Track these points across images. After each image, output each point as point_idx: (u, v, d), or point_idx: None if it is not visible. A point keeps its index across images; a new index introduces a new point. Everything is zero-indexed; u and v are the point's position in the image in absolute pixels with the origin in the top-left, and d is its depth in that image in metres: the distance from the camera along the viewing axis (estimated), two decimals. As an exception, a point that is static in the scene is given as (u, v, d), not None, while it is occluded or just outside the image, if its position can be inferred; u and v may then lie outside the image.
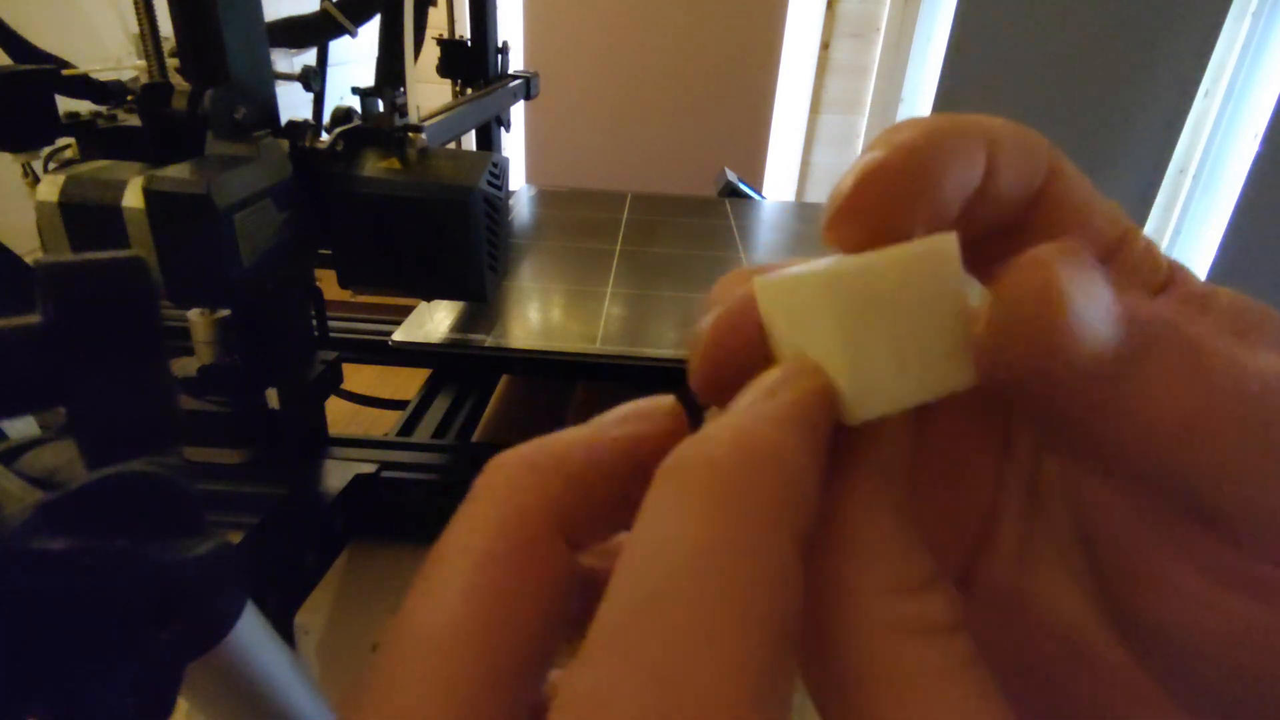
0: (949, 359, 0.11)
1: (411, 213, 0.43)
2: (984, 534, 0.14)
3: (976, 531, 0.14)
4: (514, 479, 0.11)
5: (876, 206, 0.11)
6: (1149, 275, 0.13)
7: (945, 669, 0.10)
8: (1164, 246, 2.03)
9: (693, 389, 0.13)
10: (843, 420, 0.11)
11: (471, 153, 0.50)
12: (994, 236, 0.13)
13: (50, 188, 0.35)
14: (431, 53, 0.78)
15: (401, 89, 0.48)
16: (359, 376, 0.74)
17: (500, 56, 0.90)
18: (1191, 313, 0.12)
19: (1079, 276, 0.10)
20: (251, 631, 0.26)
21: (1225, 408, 0.10)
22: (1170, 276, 0.13)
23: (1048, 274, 0.10)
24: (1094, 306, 0.10)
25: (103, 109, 0.41)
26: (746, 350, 0.12)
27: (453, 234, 0.43)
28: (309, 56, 0.57)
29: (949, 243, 0.11)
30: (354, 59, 0.78)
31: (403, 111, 0.47)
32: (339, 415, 0.71)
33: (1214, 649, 0.11)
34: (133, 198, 0.34)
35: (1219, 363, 0.10)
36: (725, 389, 0.12)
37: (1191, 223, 2.02)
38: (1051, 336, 0.10)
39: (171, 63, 0.40)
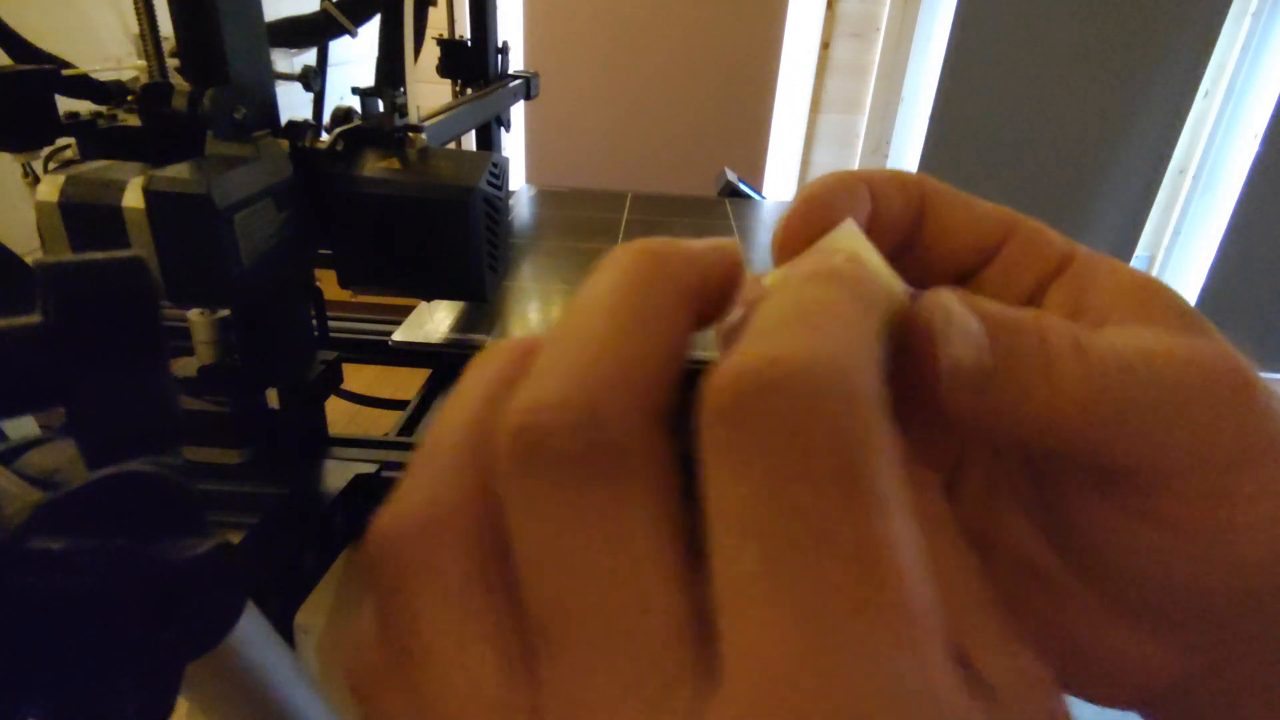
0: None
1: (411, 213, 0.43)
2: (956, 478, 0.17)
3: (949, 477, 0.17)
4: (640, 252, 0.12)
5: (798, 240, 0.15)
6: (1036, 265, 0.16)
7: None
8: (1163, 246, 2.03)
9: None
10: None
11: (471, 153, 0.50)
12: (900, 253, 0.16)
13: (50, 188, 0.35)
14: (431, 53, 0.78)
15: (401, 89, 0.48)
16: (359, 376, 0.74)
17: (500, 56, 0.90)
18: (1068, 298, 0.15)
19: (948, 320, 0.13)
20: (251, 631, 0.26)
21: (1074, 394, 0.12)
22: (1064, 261, 0.16)
23: (925, 319, 0.13)
24: (961, 342, 0.13)
25: (103, 109, 0.41)
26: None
27: (453, 234, 0.43)
28: (309, 56, 0.57)
29: (851, 226, 0.15)
30: (354, 59, 0.78)
31: (403, 111, 0.47)
32: (339, 415, 0.71)
33: (1134, 565, 0.14)
34: (133, 198, 0.34)
35: (1063, 359, 0.13)
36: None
37: (1191, 223, 2.02)
38: (925, 359, 0.13)
39: (171, 63, 0.40)
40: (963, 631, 0.13)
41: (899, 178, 0.16)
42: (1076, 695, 0.16)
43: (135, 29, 0.39)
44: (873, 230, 0.16)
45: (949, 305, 0.13)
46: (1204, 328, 0.14)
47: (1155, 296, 0.14)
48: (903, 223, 0.16)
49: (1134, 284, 0.15)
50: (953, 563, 0.14)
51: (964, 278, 0.17)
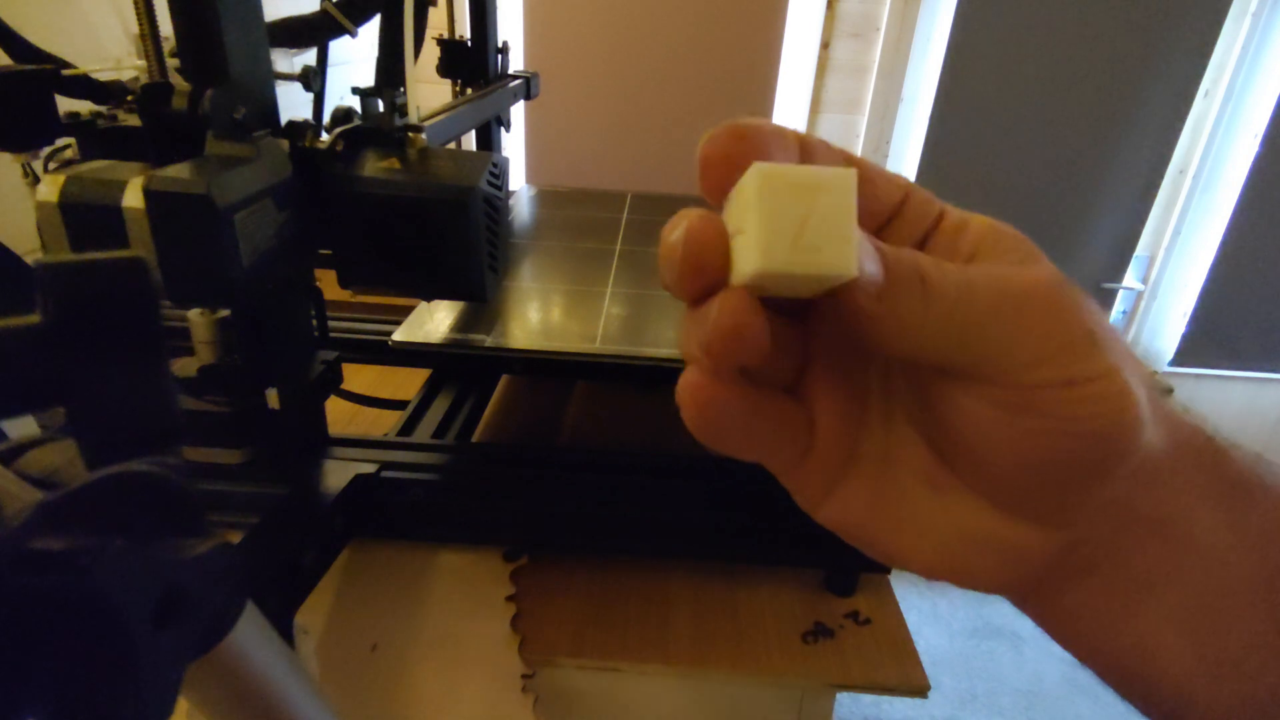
0: (834, 250, 0.15)
1: (411, 213, 0.43)
2: (861, 415, 0.21)
3: (859, 414, 0.21)
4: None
5: (720, 164, 0.19)
6: (924, 220, 0.20)
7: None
8: (1163, 246, 2.03)
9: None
10: (754, 268, 0.15)
11: (471, 153, 0.50)
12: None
13: (50, 188, 0.35)
14: (431, 53, 0.78)
15: (401, 89, 0.48)
16: (359, 376, 0.74)
17: (500, 56, 0.90)
18: (947, 242, 0.19)
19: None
20: (251, 631, 0.26)
21: (941, 308, 0.16)
22: (940, 216, 0.20)
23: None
24: (868, 265, 0.16)
25: (103, 109, 0.41)
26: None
27: (453, 234, 0.43)
28: (309, 56, 0.57)
29: (851, 174, 0.15)
30: (354, 59, 0.78)
31: (403, 111, 0.47)
32: (339, 415, 0.71)
33: (995, 449, 0.18)
34: (133, 198, 0.34)
35: (934, 280, 0.16)
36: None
37: (1191, 223, 2.01)
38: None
39: (171, 63, 0.39)
40: None
41: (831, 147, 0.20)
42: (970, 586, 0.20)
43: (135, 29, 0.39)
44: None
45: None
46: (1038, 259, 0.18)
47: (1002, 238, 0.19)
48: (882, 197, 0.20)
49: (987, 229, 0.19)
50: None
51: (879, 229, 0.21)
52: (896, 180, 0.20)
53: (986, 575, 0.19)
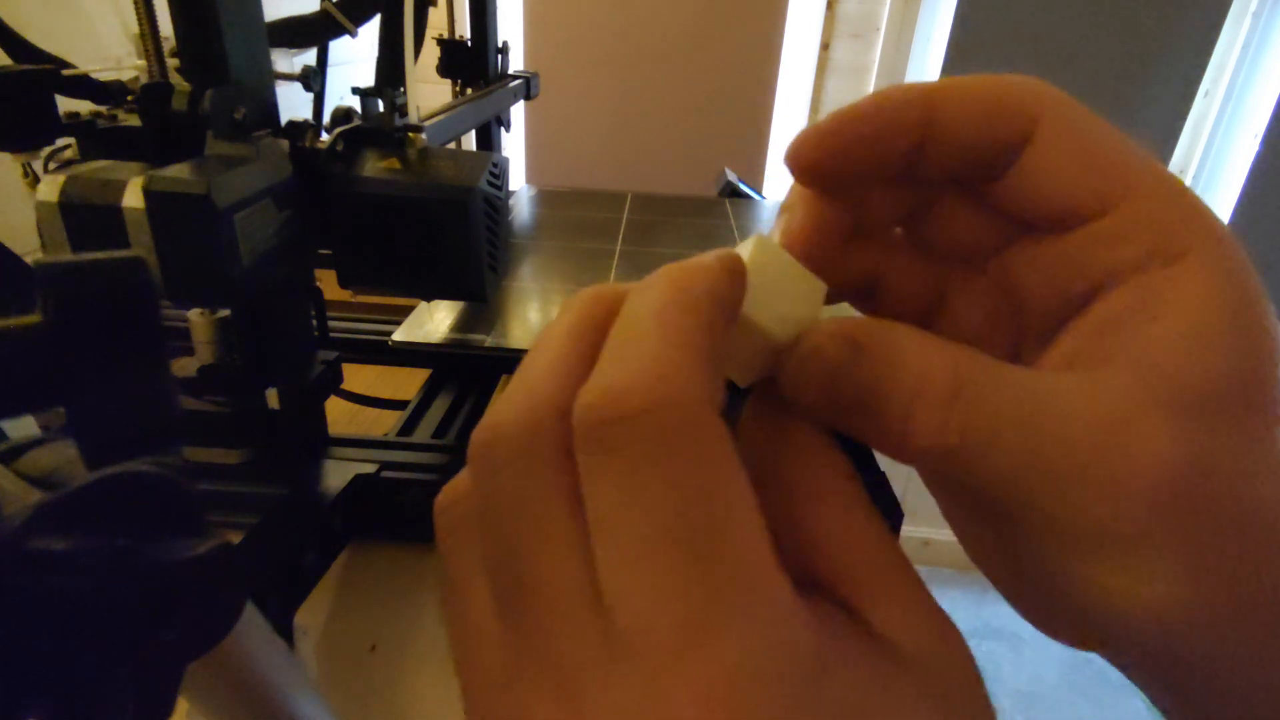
0: (803, 301, 0.16)
1: (411, 213, 0.43)
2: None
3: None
4: (686, 269, 0.14)
5: (812, 169, 0.17)
6: (1122, 252, 0.14)
7: (847, 492, 0.15)
8: (1164, 246, 2.04)
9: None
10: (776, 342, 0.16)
11: (471, 153, 0.50)
12: (989, 184, 0.16)
13: (50, 188, 0.35)
14: (431, 53, 0.78)
15: (401, 89, 0.48)
16: (359, 376, 0.74)
17: (500, 56, 0.90)
18: (1127, 312, 0.14)
19: (802, 366, 0.15)
20: (251, 631, 0.26)
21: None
22: (1158, 260, 0.14)
23: (791, 356, 0.16)
24: (805, 382, 0.15)
25: (103, 109, 0.41)
26: None
27: (453, 234, 0.43)
28: (309, 56, 0.57)
29: (760, 239, 0.16)
30: (354, 59, 0.78)
31: (403, 111, 0.47)
32: (339, 415, 0.71)
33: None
34: (133, 198, 0.34)
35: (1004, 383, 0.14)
36: None
37: (1191, 223, 2.01)
38: (789, 393, 0.16)
39: (171, 63, 0.39)
40: (856, 587, 0.14)
41: (998, 97, 0.15)
42: (1054, 636, 0.17)
43: (135, 29, 0.39)
44: (930, 154, 0.16)
45: (814, 344, 0.15)
46: (1245, 413, 0.13)
47: (1202, 367, 0.13)
48: (982, 150, 0.16)
49: (1198, 337, 0.13)
50: (842, 523, 0.15)
51: (1043, 231, 0.16)
52: (1110, 170, 0.15)
53: (1074, 633, 0.17)
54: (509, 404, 0.14)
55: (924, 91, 0.16)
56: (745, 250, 0.16)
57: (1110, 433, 0.13)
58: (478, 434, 0.14)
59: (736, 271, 0.15)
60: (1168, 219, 0.14)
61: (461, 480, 0.15)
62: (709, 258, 0.15)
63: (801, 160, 0.17)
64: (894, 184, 0.17)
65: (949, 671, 0.13)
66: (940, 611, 0.14)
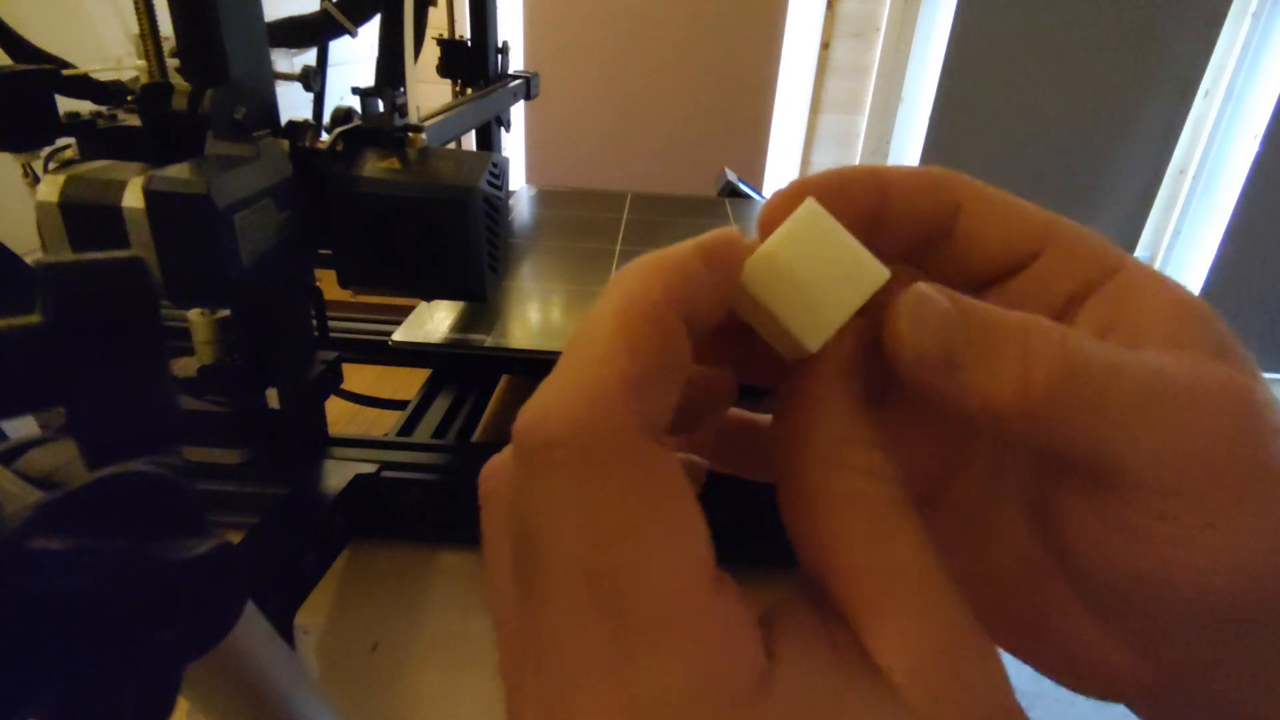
0: (850, 278, 0.15)
1: (411, 213, 0.43)
2: (962, 460, 0.18)
3: (956, 457, 0.18)
4: (643, 272, 0.14)
5: (776, 222, 0.16)
6: (1072, 277, 0.16)
7: (872, 497, 0.14)
8: (1163, 246, 2.03)
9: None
10: (808, 352, 0.15)
11: (471, 153, 0.50)
12: (926, 251, 0.17)
13: (50, 188, 0.35)
14: (431, 53, 0.78)
15: (401, 89, 0.48)
16: (359, 376, 0.74)
17: (500, 56, 0.90)
18: (1103, 313, 0.15)
19: (917, 311, 0.14)
20: (251, 631, 0.26)
21: (1042, 383, 0.13)
22: (1105, 274, 0.16)
23: (895, 308, 0.14)
24: (927, 324, 0.14)
25: (103, 109, 0.41)
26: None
27: (452, 234, 0.43)
28: (309, 56, 0.57)
29: (811, 204, 0.15)
30: (354, 59, 0.78)
31: (403, 111, 0.47)
32: (339, 415, 0.71)
33: (1102, 570, 0.14)
34: (133, 198, 0.34)
35: (1040, 353, 0.13)
36: None
37: (1191, 223, 2.01)
38: (894, 345, 0.14)
39: (171, 63, 0.39)
40: (860, 610, 0.13)
41: (929, 176, 0.17)
42: (1068, 687, 0.17)
43: (135, 29, 0.39)
44: (887, 226, 0.16)
45: (923, 290, 0.14)
46: (1233, 357, 0.14)
47: (1191, 322, 0.14)
48: (928, 221, 0.17)
49: (1174, 305, 0.15)
50: (861, 535, 0.14)
51: (992, 282, 0.17)
52: (1034, 218, 0.16)
53: (1085, 686, 0.17)
54: (549, 393, 0.13)
55: (875, 169, 0.17)
56: (789, 223, 0.15)
57: (1193, 399, 0.13)
58: (521, 418, 0.13)
59: (717, 259, 0.14)
60: (1094, 246, 0.16)
61: (507, 452, 0.15)
62: (687, 247, 0.14)
63: (776, 214, 0.16)
64: None
65: (942, 714, 0.12)
66: (953, 651, 0.13)
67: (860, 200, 0.16)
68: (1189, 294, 0.15)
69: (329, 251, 0.45)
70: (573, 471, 0.12)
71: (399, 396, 0.71)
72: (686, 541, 0.12)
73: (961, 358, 0.14)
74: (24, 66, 0.37)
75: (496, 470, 0.16)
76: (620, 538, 0.12)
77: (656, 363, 0.13)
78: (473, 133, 0.87)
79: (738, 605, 0.12)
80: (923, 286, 0.14)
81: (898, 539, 0.13)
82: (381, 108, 0.46)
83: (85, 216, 0.35)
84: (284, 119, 0.43)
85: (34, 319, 0.15)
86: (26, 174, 0.39)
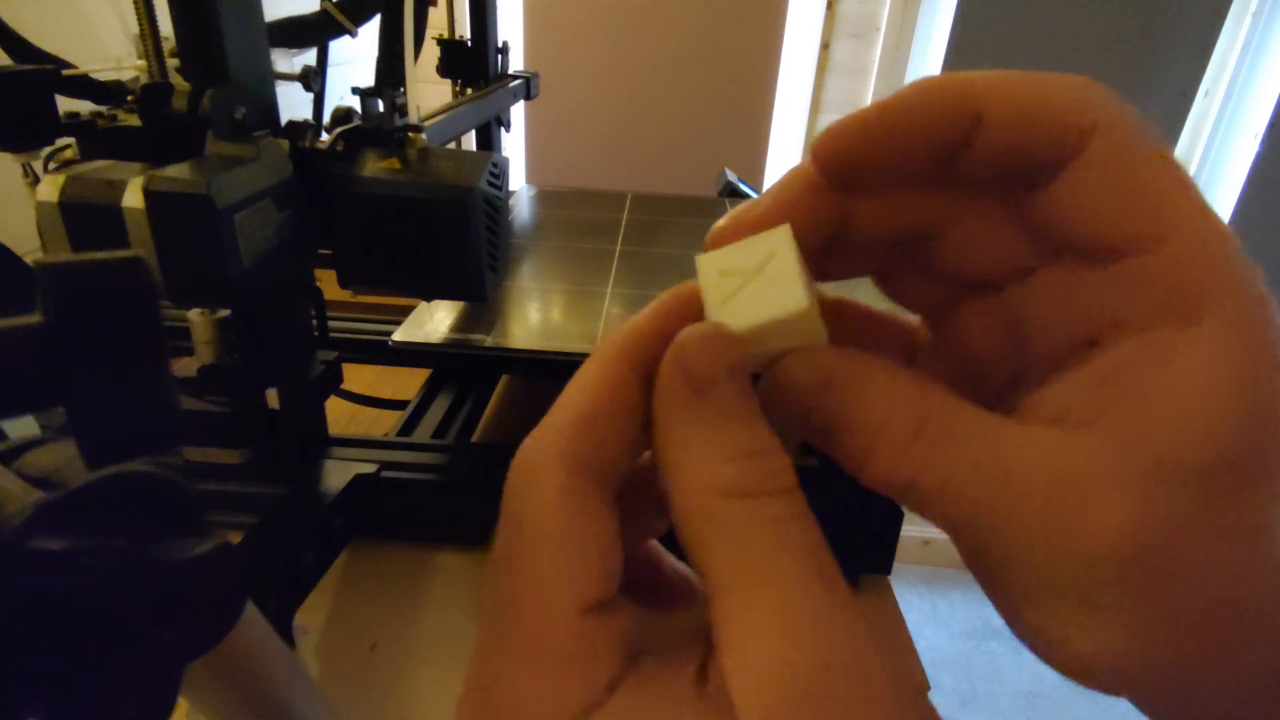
0: (781, 296, 0.15)
1: (411, 213, 0.43)
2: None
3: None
4: (616, 343, 0.16)
5: (843, 159, 0.16)
6: (1143, 299, 0.13)
7: (751, 521, 0.14)
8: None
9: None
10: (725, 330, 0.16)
11: (471, 153, 0.50)
12: (1036, 192, 0.15)
13: (50, 188, 0.35)
14: (431, 53, 0.78)
15: (401, 89, 0.48)
16: (359, 376, 0.74)
17: (500, 56, 0.90)
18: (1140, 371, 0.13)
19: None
20: (251, 631, 0.26)
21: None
22: (1189, 305, 0.13)
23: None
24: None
25: (103, 109, 0.41)
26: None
27: (452, 234, 0.43)
28: (309, 56, 0.57)
29: (781, 231, 0.16)
30: (354, 59, 0.78)
31: (403, 111, 0.47)
32: (339, 415, 0.71)
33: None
34: (133, 198, 0.34)
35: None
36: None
37: (1191, 223, 2.01)
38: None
39: (171, 63, 0.39)
40: (716, 626, 0.14)
41: (1033, 98, 0.14)
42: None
43: (135, 29, 0.39)
44: (964, 160, 0.15)
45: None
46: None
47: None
48: (1010, 155, 0.14)
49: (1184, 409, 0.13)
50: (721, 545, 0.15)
51: (1072, 257, 0.15)
52: (1157, 203, 0.13)
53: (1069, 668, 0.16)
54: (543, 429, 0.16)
55: (973, 86, 0.14)
56: (756, 243, 0.16)
57: (1069, 496, 0.12)
58: (521, 451, 0.16)
59: (665, 312, 0.16)
60: (1195, 273, 0.13)
61: None
62: (647, 309, 0.16)
63: (836, 147, 0.15)
64: (902, 196, 0.16)
65: None
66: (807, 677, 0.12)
67: (943, 133, 0.14)
68: (1233, 393, 0.12)
69: (329, 251, 0.45)
70: (510, 487, 0.15)
71: (399, 396, 0.71)
72: (566, 567, 0.14)
73: (816, 432, 0.16)
74: (24, 66, 0.37)
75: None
76: (515, 553, 0.14)
77: (605, 407, 0.15)
78: (473, 133, 0.87)
79: (602, 635, 0.14)
80: (793, 363, 0.16)
81: (750, 553, 0.14)
82: (381, 108, 0.46)
83: (85, 216, 0.35)
84: (284, 119, 0.43)
85: (34, 319, 0.15)
86: (26, 174, 0.39)
